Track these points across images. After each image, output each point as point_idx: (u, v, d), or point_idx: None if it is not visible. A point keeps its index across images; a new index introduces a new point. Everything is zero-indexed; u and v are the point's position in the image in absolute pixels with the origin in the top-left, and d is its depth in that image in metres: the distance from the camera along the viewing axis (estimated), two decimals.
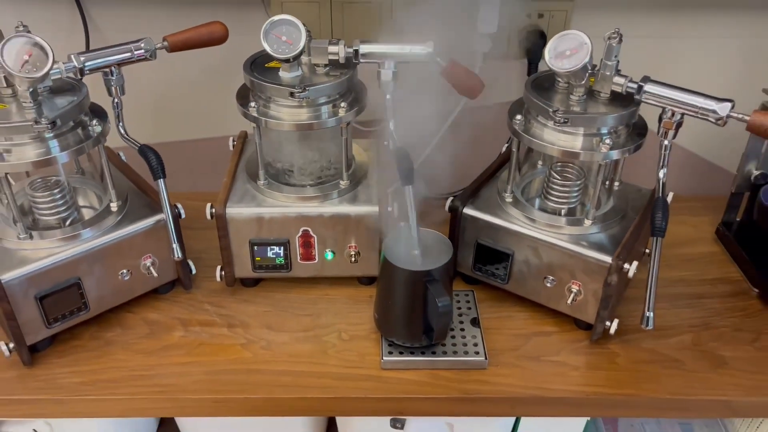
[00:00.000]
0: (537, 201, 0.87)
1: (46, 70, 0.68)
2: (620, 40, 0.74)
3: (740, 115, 0.70)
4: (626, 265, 0.77)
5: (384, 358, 0.79)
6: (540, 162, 0.92)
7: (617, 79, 0.76)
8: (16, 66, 0.67)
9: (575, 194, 0.84)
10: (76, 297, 0.79)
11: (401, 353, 0.80)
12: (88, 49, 1.00)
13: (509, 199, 0.85)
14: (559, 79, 0.80)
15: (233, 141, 0.96)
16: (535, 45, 0.99)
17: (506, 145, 0.97)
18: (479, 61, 0.94)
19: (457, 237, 0.87)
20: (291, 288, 0.91)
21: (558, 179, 0.83)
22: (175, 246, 0.81)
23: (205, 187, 1.00)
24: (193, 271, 0.89)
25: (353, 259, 0.87)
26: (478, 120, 0.91)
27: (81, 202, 0.87)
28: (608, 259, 0.77)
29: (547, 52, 0.74)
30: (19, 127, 0.71)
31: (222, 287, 0.90)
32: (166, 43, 0.82)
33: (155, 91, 1.04)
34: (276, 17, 0.74)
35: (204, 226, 0.89)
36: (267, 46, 0.75)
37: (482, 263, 0.88)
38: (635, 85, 0.75)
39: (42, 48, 0.69)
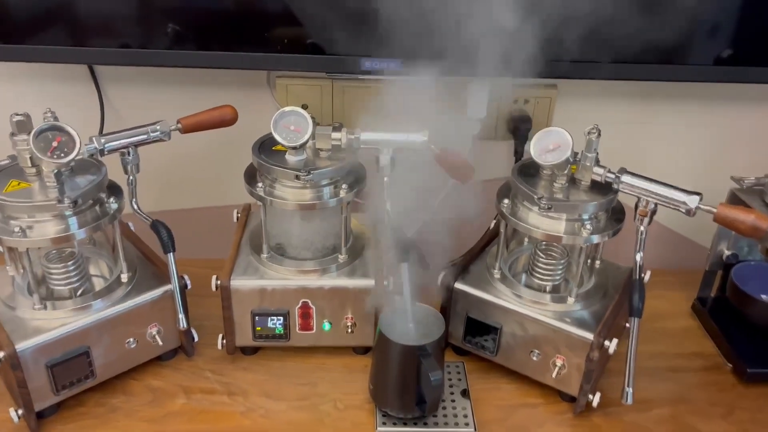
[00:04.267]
0: (523, 277, 0.93)
1: (73, 155, 0.73)
2: (599, 135, 0.81)
3: (708, 208, 0.76)
4: (607, 342, 0.82)
5: (378, 428, 0.83)
6: (526, 239, 0.98)
7: (597, 170, 0.82)
8: (46, 152, 0.73)
9: (559, 272, 0.89)
10: (84, 365, 0.82)
11: (395, 424, 0.83)
12: (102, 124, 1.06)
13: (497, 275, 0.90)
14: (544, 168, 0.86)
15: (237, 213, 1.01)
16: (521, 128, 1.06)
17: (494, 221, 1.03)
18: (469, 144, 1.00)
19: (449, 310, 0.92)
20: (288, 357, 0.94)
21: (543, 258, 0.89)
22: (181, 316, 0.85)
23: (207, 254, 1.04)
24: (196, 339, 0.93)
25: (349, 329, 0.91)
26: (468, 196, 0.97)
27: (92, 270, 0.90)
28: (590, 336, 0.82)
29: (532, 147, 0.81)
30: (42, 206, 0.76)
31: (222, 355, 0.93)
32: (179, 125, 0.88)
33: (161, 162, 1.08)
34: (286, 108, 0.81)
35: (207, 293, 0.92)
36: (277, 135, 0.81)
37: (472, 335, 0.92)
38: (613, 176, 0.81)
39: (69, 134, 0.74)
